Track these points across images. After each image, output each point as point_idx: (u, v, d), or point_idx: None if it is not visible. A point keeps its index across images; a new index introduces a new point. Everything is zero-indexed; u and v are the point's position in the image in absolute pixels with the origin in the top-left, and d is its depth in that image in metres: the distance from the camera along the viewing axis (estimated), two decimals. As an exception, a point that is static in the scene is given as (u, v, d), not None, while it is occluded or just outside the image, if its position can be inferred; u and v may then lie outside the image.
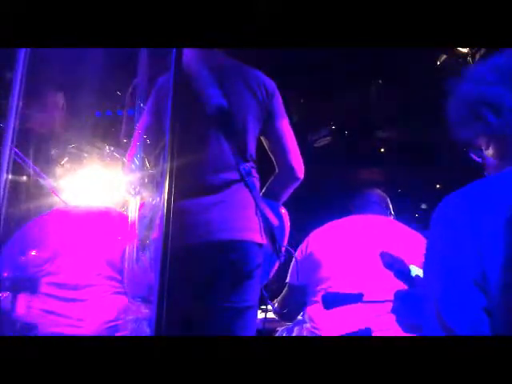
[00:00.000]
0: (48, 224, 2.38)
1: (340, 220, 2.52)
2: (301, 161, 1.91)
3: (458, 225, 0.99)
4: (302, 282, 2.38)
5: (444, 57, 3.31)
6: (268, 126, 1.89)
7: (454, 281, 0.96)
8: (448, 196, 1.07)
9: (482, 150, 1.19)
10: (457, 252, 0.97)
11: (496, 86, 1.10)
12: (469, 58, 2.99)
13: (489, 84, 1.11)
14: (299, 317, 2.58)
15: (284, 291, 2.49)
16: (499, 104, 1.08)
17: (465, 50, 3.09)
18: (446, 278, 0.97)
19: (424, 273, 1.04)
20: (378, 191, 2.73)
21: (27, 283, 2.23)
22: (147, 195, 1.85)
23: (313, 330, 2.30)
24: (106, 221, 2.40)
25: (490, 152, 1.17)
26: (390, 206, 2.67)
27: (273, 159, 1.93)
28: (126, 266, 2.26)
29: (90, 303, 2.23)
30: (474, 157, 1.22)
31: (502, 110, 1.08)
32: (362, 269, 2.23)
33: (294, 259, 2.36)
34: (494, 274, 0.94)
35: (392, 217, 2.65)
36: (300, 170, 1.90)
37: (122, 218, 2.41)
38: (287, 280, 2.45)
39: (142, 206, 1.89)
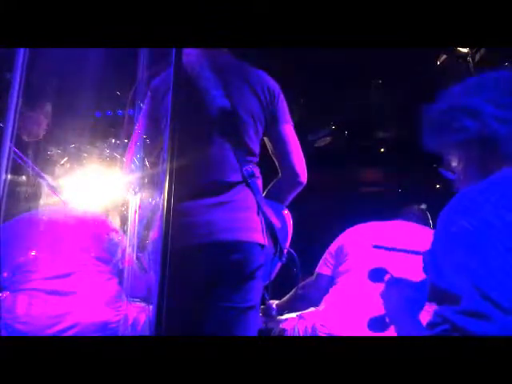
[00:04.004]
0: (26, 225, 2.40)
1: (382, 222, 2.63)
2: (304, 166, 1.90)
3: (487, 214, 1.02)
4: (331, 274, 2.55)
5: (444, 57, 3.30)
6: (271, 130, 1.88)
7: (493, 267, 0.97)
8: (469, 188, 1.10)
9: (450, 164, 1.26)
10: (493, 239, 0.99)
11: (471, 98, 1.17)
12: (469, 58, 2.99)
13: (464, 96, 1.19)
14: (294, 314, 2.62)
15: (308, 280, 2.62)
16: (475, 110, 1.15)
17: (465, 50, 3.08)
18: (483, 263, 0.98)
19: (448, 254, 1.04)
20: (422, 208, 2.80)
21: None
22: (147, 195, 1.85)
23: (324, 313, 2.36)
24: (86, 219, 2.44)
25: (461, 163, 1.22)
26: (430, 221, 2.74)
27: (276, 163, 1.92)
28: (126, 266, 2.27)
29: (83, 292, 2.25)
30: (445, 173, 1.27)
31: (478, 115, 1.14)
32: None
33: (327, 249, 2.59)
34: None
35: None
36: (303, 175, 1.90)
37: (102, 218, 2.46)
38: (317, 270, 2.62)
39: (141, 206, 1.89)
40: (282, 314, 2.64)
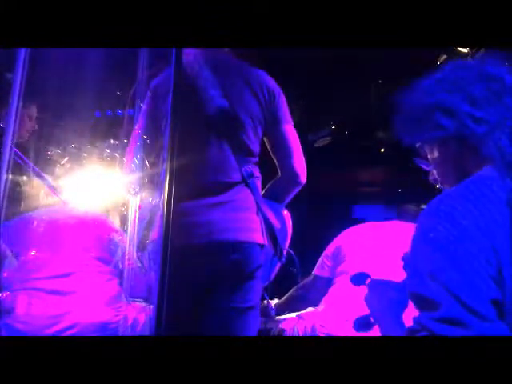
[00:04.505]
0: (27, 225, 2.40)
1: (378, 223, 2.64)
2: (304, 166, 1.90)
3: (465, 219, 1.01)
4: (328, 276, 2.55)
5: (444, 57, 3.30)
6: (271, 130, 1.87)
7: (469, 274, 0.97)
8: (448, 191, 1.10)
9: (425, 156, 1.26)
10: (470, 245, 0.99)
11: (447, 95, 1.15)
12: (469, 58, 2.99)
13: (440, 93, 1.17)
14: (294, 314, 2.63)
15: (306, 281, 2.62)
16: (452, 109, 1.13)
17: (465, 50, 3.08)
18: (460, 269, 0.98)
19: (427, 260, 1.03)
20: (418, 207, 2.82)
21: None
22: (147, 195, 1.85)
23: (323, 314, 2.36)
24: (87, 220, 2.44)
25: (438, 157, 1.22)
26: None
27: (276, 162, 1.92)
28: (126, 266, 2.27)
29: (83, 292, 2.25)
30: (422, 165, 1.27)
31: (455, 114, 1.13)
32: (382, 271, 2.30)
33: (324, 251, 2.59)
34: (509, 270, 0.97)
35: None
36: (303, 175, 1.89)
37: (103, 219, 2.47)
38: (314, 271, 2.62)
39: (141, 206, 1.89)
40: (280, 314, 2.65)
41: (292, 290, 2.67)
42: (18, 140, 2.63)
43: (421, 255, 1.04)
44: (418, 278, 1.02)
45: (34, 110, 2.74)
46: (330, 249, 2.61)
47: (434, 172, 1.25)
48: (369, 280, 1.41)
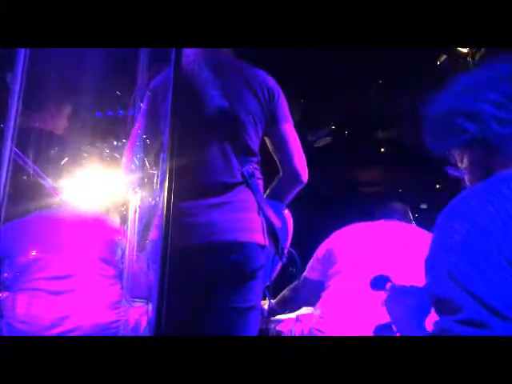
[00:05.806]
0: (32, 226, 2.40)
1: (367, 223, 2.62)
2: (305, 165, 1.90)
3: (484, 219, 1.01)
4: (318, 278, 2.51)
5: (444, 57, 3.31)
6: (272, 129, 1.88)
7: (490, 274, 0.96)
8: (468, 191, 1.10)
9: (457, 164, 1.26)
10: (489, 246, 0.98)
11: (470, 100, 1.16)
12: (469, 58, 2.99)
13: (462, 98, 1.17)
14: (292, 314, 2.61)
15: (296, 283, 2.58)
16: (475, 112, 1.14)
17: (465, 50, 3.09)
18: (480, 270, 0.97)
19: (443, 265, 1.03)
20: (400, 203, 2.81)
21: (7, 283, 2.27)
22: (146, 195, 1.85)
23: (319, 318, 2.35)
24: (90, 221, 2.44)
25: (466, 163, 1.22)
26: (410, 215, 2.74)
27: (277, 162, 1.92)
28: (126, 266, 2.27)
29: (85, 296, 2.25)
30: (452, 172, 1.27)
31: (479, 118, 1.14)
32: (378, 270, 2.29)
33: (314, 254, 2.54)
34: None
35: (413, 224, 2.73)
36: (304, 174, 1.90)
37: (105, 219, 2.46)
38: (304, 274, 2.57)
39: (141, 206, 1.89)
40: (273, 315, 2.64)
41: (283, 292, 2.65)
42: (54, 132, 2.68)
43: (440, 256, 1.04)
44: (438, 280, 1.01)
45: (69, 109, 2.80)
46: (320, 251, 2.57)
47: (466, 179, 1.25)
48: (389, 284, 1.39)
